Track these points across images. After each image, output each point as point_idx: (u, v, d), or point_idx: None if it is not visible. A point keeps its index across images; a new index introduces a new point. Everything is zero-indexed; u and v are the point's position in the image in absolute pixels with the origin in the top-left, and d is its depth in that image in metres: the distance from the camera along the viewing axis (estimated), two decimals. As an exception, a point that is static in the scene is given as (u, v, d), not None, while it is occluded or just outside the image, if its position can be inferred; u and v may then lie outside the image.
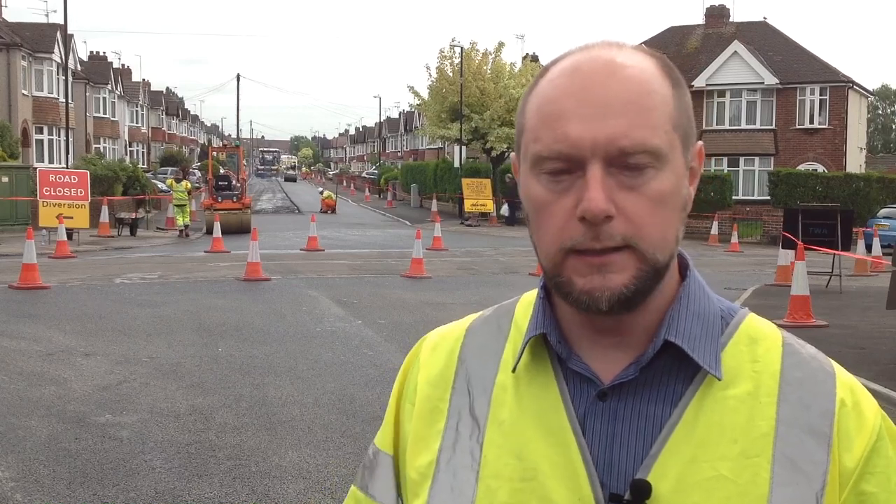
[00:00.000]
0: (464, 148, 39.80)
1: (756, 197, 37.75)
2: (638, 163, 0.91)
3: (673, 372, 0.96)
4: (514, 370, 1.01)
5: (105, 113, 57.47)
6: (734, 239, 26.62)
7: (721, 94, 39.74)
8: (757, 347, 0.98)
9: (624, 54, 0.95)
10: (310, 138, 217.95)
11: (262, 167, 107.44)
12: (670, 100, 0.94)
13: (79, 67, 49.56)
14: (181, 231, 28.47)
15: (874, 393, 7.92)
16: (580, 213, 0.90)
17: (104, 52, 62.04)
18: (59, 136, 39.97)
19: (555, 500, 0.94)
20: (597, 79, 0.92)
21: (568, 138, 0.91)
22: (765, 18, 45.94)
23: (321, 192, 48.66)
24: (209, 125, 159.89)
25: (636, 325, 0.97)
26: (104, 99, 57.33)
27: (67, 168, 29.32)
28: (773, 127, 40.07)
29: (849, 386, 0.98)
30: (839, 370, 0.99)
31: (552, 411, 0.97)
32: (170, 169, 53.83)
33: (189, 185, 30.15)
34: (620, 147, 0.90)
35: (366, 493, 1.11)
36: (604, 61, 0.93)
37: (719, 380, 0.95)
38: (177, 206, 28.70)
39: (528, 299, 1.08)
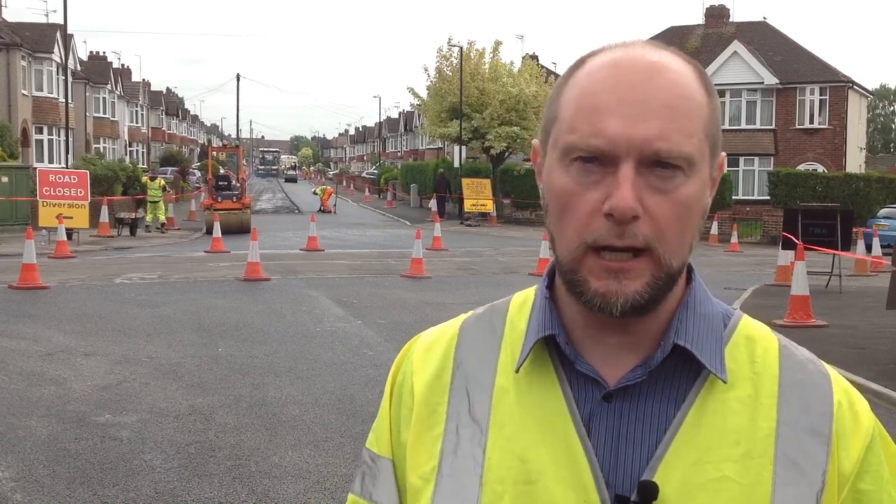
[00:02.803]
0: (464, 148, 39.79)
1: (756, 197, 37.76)
2: (670, 167, 0.91)
3: (677, 374, 0.97)
4: (517, 371, 1.00)
5: (105, 113, 57.42)
6: (734, 239, 26.62)
7: (721, 93, 39.61)
8: (755, 348, 1.00)
9: (664, 57, 0.95)
10: (310, 138, 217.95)
11: (263, 167, 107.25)
12: (705, 107, 0.95)
13: (79, 67, 49.51)
14: (160, 226, 28.70)
15: (874, 393, 7.91)
16: (608, 210, 0.90)
17: (104, 52, 61.96)
18: (59, 136, 39.91)
19: (561, 503, 0.94)
20: (638, 77, 0.92)
21: (605, 134, 0.91)
22: (765, 18, 45.98)
23: (315, 193, 48.58)
24: (209, 125, 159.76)
25: (643, 327, 0.97)
26: (104, 99, 57.28)
27: (67, 168, 29.30)
28: (772, 127, 40.08)
29: (843, 388, 1.00)
30: (833, 372, 1.02)
31: (556, 413, 0.97)
32: (151, 170, 53.87)
33: (162, 182, 30.23)
34: (656, 149, 0.90)
35: (371, 501, 1.09)
36: (646, 61, 0.94)
37: (725, 383, 0.96)
38: (151, 202, 29.01)
39: (521, 299, 1.08)
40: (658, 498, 0.92)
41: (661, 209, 0.91)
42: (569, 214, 0.93)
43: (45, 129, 42.18)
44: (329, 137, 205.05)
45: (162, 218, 28.98)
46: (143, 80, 77.00)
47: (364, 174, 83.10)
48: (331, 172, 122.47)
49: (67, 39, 35.09)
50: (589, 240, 0.92)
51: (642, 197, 0.90)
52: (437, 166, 45.36)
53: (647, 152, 0.90)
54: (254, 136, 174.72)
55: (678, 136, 0.91)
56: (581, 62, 0.98)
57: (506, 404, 1.00)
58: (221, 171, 41.36)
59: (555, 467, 0.95)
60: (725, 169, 1.03)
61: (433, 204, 38.63)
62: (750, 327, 1.02)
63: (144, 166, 57.73)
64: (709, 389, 0.96)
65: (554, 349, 1.00)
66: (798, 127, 39.89)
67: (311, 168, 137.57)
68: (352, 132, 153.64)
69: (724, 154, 1.01)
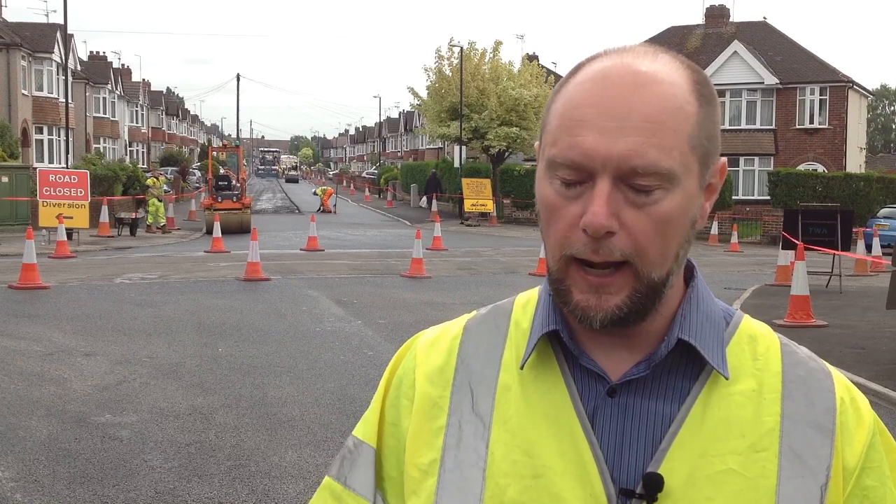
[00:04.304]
0: (464, 148, 39.83)
1: (756, 197, 37.76)
2: (648, 183, 0.91)
3: (680, 369, 0.98)
4: (522, 367, 1.01)
5: (105, 113, 57.40)
6: (734, 239, 26.63)
7: (721, 94, 39.65)
8: (757, 346, 1.01)
9: (657, 66, 0.94)
10: (310, 138, 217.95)
11: (263, 167, 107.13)
12: (693, 118, 0.94)
13: (79, 67, 49.48)
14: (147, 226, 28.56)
15: (874, 393, 7.91)
16: (582, 226, 0.91)
17: (104, 52, 61.97)
18: (59, 136, 39.91)
19: (566, 497, 0.95)
20: (621, 91, 0.92)
21: (581, 147, 0.91)
22: (765, 18, 45.97)
23: (315, 193, 48.65)
24: (209, 125, 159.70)
25: (644, 325, 0.98)
26: (104, 99, 57.25)
27: (67, 168, 29.29)
28: (773, 127, 40.07)
29: (845, 385, 1.02)
30: (833, 370, 1.03)
31: (561, 408, 0.98)
32: (169, 169, 53.86)
33: (153, 182, 30.08)
34: (632, 166, 0.90)
35: (344, 485, 1.09)
36: (633, 72, 0.93)
37: (727, 378, 0.97)
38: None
39: (525, 299, 1.09)
40: (663, 490, 0.93)
41: (640, 224, 0.91)
42: (552, 226, 0.95)
43: (45, 129, 42.16)
44: (329, 137, 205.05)
45: (149, 219, 28.71)
46: (143, 80, 77.03)
47: (364, 174, 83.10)
48: (331, 172, 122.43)
49: (67, 39, 35.06)
50: (568, 252, 0.93)
51: (620, 212, 0.91)
52: (437, 166, 45.42)
53: (624, 167, 0.90)
54: (254, 136, 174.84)
55: (656, 151, 0.90)
56: (575, 70, 0.99)
57: (510, 400, 1.01)
58: (221, 171, 41.32)
59: (560, 461, 0.96)
60: (726, 174, 1.02)
61: (423, 201, 40.42)
62: (752, 326, 1.04)
63: (144, 166, 57.73)
64: (712, 385, 0.97)
65: (558, 345, 1.01)
66: (798, 127, 39.89)
67: (311, 168, 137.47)
68: (352, 132, 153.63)
69: (724, 159, 1.00)
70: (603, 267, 0.92)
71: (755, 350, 1.01)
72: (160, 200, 28.80)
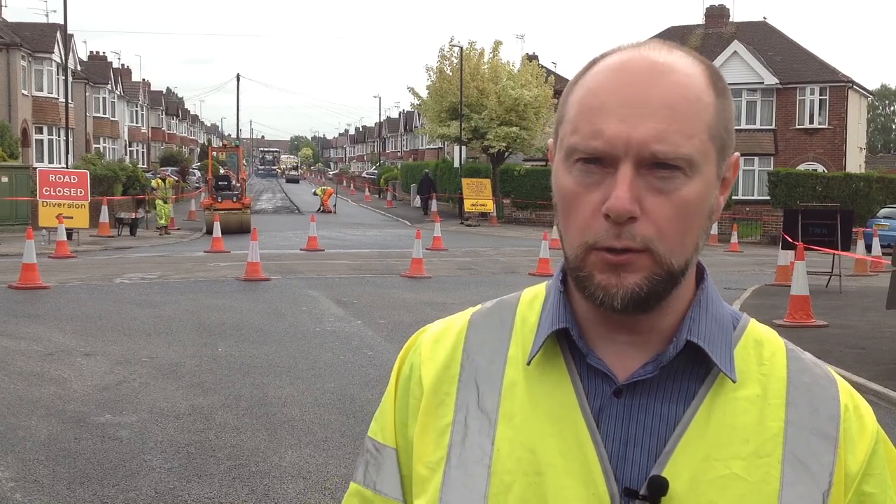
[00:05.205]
0: (464, 148, 39.82)
1: (756, 197, 37.76)
2: (669, 168, 0.92)
3: (686, 372, 0.98)
4: (528, 363, 1.01)
5: (105, 113, 57.39)
6: (734, 239, 26.62)
7: (721, 93, 39.58)
8: (763, 351, 1.01)
9: (673, 57, 0.96)
10: (310, 138, 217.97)
11: (263, 167, 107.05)
12: (711, 108, 0.95)
13: (79, 67, 49.47)
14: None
15: (874, 393, 7.91)
16: (605, 211, 0.91)
17: (104, 52, 61.99)
18: (59, 136, 39.90)
19: (568, 495, 0.95)
20: (640, 78, 0.93)
21: (604, 135, 0.92)
22: (765, 18, 46.00)
23: (315, 193, 48.66)
24: (209, 125, 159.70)
25: (653, 325, 0.98)
26: (104, 99, 57.24)
27: (67, 168, 29.29)
28: (772, 127, 40.09)
29: (849, 392, 1.02)
30: (838, 376, 1.03)
31: (566, 407, 0.98)
32: (169, 169, 53.90)
33: (157, 183, 30.04)
34: (653, 151, 0.91)
35: (374, 490, 1.09)
36: (651, 62, 0.94)
37: (734, 381, 0.97)
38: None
39: (531, 295, 1.09)
40: (667, 494, 0.93)
41: (661, 210, 0.92)
42: (572, 216, 0.95)
43: (45, 129, 42.16)
44: (329, 137, 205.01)
45: (159, 220, 28.87)
46: (143, 80, 77.02)
47: (364, 174, 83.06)
48: (331, 172, 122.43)
49: (67, 39, 35.05)
50: (590, 241, 0.93)
51: (642, 198, 0.91)
52: (437, 166, 45.43)
53: (645, 153, 0.91)
54: (254, 136, 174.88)
55: (677, 137, 0.91)
56: (592, 63, 1.00)
57: (516, 396, 1.01)
58: (221, 171, 41.33)
59: (564, 460, 0.96)
60: (738, 169, 1.03)
61: (417, 202, 41.07)
62: (758, 330, 1.04)
63: (144, 166, 57.71)
64: (718, 388, 0.97)
65: (565, 343, 1.01)
66: (798, 127, 39.90)
67: (311, 168, 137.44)
68: (352, 132, 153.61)
69: (737, 154, 1.02)
70: (623, 252, 0.92)
71: (761, 354, 1.01)
72: (165, 202, 28.81)
